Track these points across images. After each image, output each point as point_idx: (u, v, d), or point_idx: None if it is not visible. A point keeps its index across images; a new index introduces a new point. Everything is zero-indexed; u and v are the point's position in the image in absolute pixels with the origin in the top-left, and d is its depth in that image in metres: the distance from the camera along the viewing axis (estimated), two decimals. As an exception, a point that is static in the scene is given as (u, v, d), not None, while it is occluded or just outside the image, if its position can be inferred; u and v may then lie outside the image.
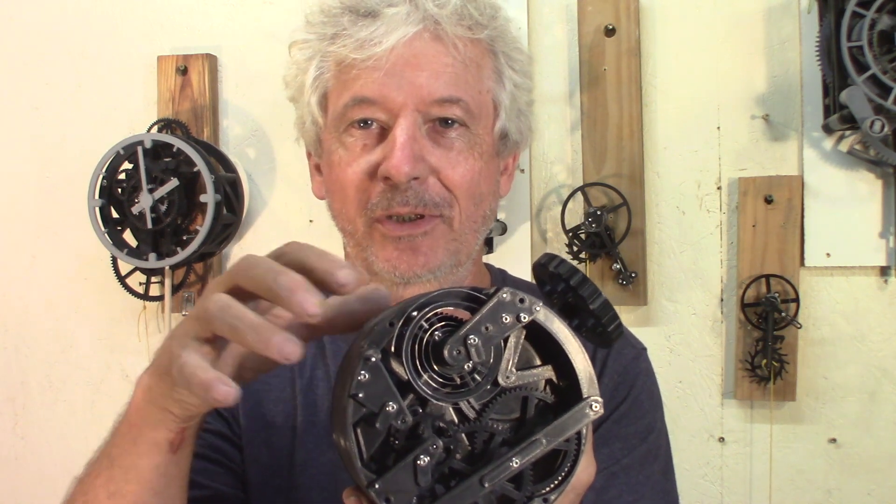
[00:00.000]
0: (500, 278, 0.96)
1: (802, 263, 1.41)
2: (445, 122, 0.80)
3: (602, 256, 1.45)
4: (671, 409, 1.46)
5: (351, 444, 0.51)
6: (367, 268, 0.82)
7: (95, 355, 1.68)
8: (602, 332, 0.58)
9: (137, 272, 1.58)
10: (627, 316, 1.47)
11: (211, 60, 1.61)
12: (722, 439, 1.45)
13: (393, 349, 0.53)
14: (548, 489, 0.55)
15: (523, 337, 0.55)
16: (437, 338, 0.53)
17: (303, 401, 0.87)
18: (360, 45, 0.78)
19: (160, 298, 1.60)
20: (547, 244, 1.51)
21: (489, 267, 0.97)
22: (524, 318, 0.54)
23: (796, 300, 1.39)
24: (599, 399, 0.54)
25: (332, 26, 0.81)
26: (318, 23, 0.83)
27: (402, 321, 0.53)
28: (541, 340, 0.56)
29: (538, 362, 0.57)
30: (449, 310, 0.54)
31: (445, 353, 0.52)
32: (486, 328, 0.53)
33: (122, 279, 1.58)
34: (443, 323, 0.54)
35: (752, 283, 1.40)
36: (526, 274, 1.48)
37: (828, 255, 1.40)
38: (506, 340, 0.54)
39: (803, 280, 1.41)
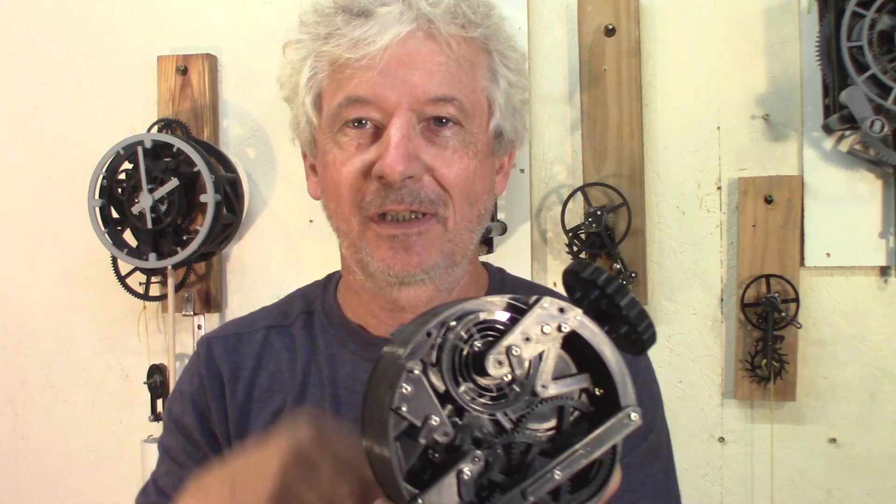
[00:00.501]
0: (499, 277, 0.95)
1: (802, 263, 1.41)
2: (440, 121, 0.79)
3: (602, 256, 1.45)
4: (671, 409, 1.45)
5: (393, 458, 0.50)
6: (362, 268, 0.82)
7: (95, 355, 1.68)
8: (636, 340, 0.57)
9: (137, 272, 1.58)
10: (627, 316, 1.47)
11: (211, 60, 1.61)
12: (722, 439, 1.45)
13: (436, 360, 0.52)
14: (585, 499, 0.54)
15: (560, 345, 0.55)
16: (476, 348, 0.52)
17: (293, 410, 0.87)
18: (353, 44, 0.78)
19: (160, 298, 1.60)
20: (547, 244, 1.51)
21: (487, 266, 0.97)
22: (565, 327, 0.53)
23: (796, 300, 1.39)
24: (638, 408, 0.54)
25: (325, 26, 0.81)
26: (311, 22, 0.83)
27: (441, 331, 0.52)
28: (576, 348, 0.55)
29: (574, 371, 0.56)
30: (485, 318, 0.53)
31: (488, 363, 0.51)
32: (528, 338, 0.53)
33: (122, 279, 1.58)
34: (480, 332, 0.53)
35: (752, 283, 1.40)
36: (525, 274, 1.48)
37: (828, 255, 1.40)
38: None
39: (803, 280, 1.41)
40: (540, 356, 0.53)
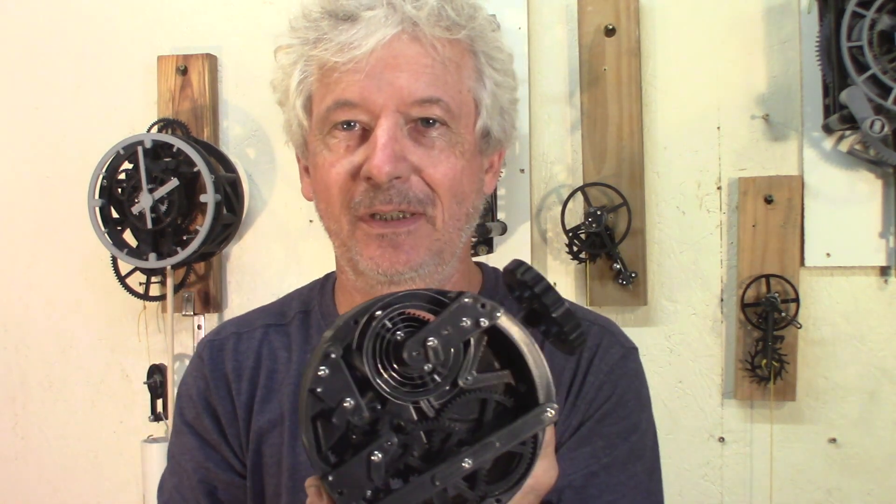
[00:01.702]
0: (493, 277, 0.96)
1: (802, 263, 1.41)
2: (426, 122, 0.81)
3: (602, 256, 1.45)
4: (671, 409, 1.46)
5: (308, 436, 0.53)
6: (352, 267, 0.83)
7: (95, 355, 1.68)
8: (565, 340, 0.59)
9: (137, 272, 1.58)
10: (627, 316, 1.47)
11: (211, 60, 1.61)
12: (722, 439, 1.45)
13: (357, 347, 0.54)
14: (502, 490, 0.56)
15: (485, 341, 0.57)
16: (399, 338, 0.55)
17: (290, 408, 0.89)
18: (340, 48, 0.79)
19: (160, 298, 1.60)
20: (547, 244, 1.51)
21: (482, 266, 0.97)
22: (483, 322, 0.55)
23: (796, 300, 1.39)
24: (555, 405, 0.56)
25: (313, 31, 0.83)
26: (300, 28, 0.84)
27: (365, 319, 0.54)
28: (505, 345, 0.57)
29: (498, 366, 0.58)
30: (414, 311, 0.56)
31: (404, 353, 0.54)
32: (446, 331, 0.55)
33: (122, 279, 1.58)
34: (407, 323, 0.55)
35: (752, 283, 1.40)
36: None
37: (828, 255, 1.40)
38: (468, 343, 0.56)
39: (803, 280, 1.41)
40: (462, 349, 0.56)
